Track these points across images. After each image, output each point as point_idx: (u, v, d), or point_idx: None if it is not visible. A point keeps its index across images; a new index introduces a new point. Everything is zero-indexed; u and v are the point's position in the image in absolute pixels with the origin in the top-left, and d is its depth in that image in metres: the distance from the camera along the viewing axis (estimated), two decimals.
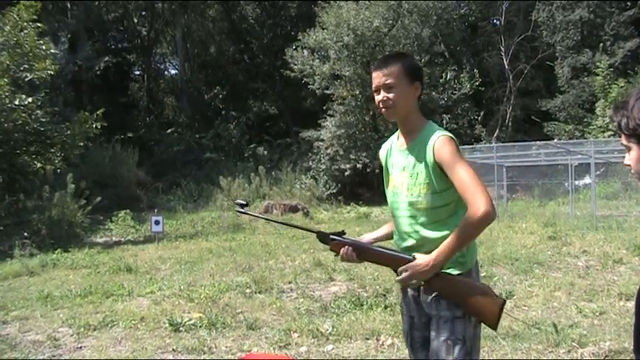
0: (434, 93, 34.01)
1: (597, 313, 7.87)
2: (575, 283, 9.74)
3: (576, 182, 24.20)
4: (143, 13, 48.13)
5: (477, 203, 2.91)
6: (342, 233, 3.47)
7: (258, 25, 46.72)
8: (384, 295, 9.20)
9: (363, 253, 3.37)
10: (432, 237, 3.14)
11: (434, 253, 3.06)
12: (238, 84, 46.03)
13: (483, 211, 2.90)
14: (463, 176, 2.99)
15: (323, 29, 32.72)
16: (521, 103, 37.36)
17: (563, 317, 7.74)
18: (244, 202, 3.69)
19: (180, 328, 7.91)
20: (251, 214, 4.17)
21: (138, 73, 49.85)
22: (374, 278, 10.61)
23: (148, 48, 47.78)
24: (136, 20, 47.83)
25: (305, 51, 34.25)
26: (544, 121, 34.47)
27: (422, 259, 3.09)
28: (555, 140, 28.49)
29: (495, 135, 35.20)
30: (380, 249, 3.36)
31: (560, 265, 11.51)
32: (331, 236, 3.43)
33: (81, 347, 7.52)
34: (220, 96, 45.28)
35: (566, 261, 11.93)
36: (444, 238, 3.05)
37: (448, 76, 35.46)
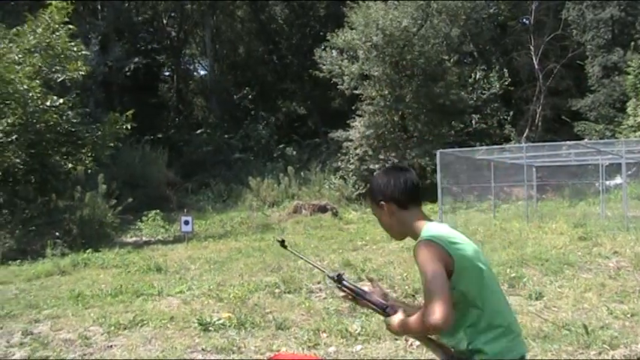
0: (463, 93, 33.82)
1: (629, 315, 7.78)
2: (606, 284, 9.64)
3: (607, 182, 23.96)
4: (172, 14, 48.39)
5: (430, 311, 2.79)
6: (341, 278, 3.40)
7: (287, 26, 46.80)
8: (413, 296, 9.18)
9: (356, 299, 3.35)
10: (448, 344, 3.07)
11: (402, 321, 3.02)
12: (267, 84, 46.11)
13: (433, 321, 2.75)
14: (426, 282, 2.86)
15: (352, 29, 32.66)
16: (551, 102, 37.02)
17: (594, 319, 7.67)
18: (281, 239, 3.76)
19: (210, 328, 7.95)
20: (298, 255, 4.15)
21: (167, 73, 50.08)
22: (403, 279, 10.58)
23: (177, 49, 48.01)
24: (165, 21, 48.08)
25: (334, 51, 34.24)
26: (574, 121, 34.15)
27: (392, 320, 3.07)
28: (586, 140, 28.23)
29: (525, 135, 34.91)
30: (368, 300, 3.30)
31: (591, 266, 11.39)
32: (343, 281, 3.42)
33: (111, 346, 7.59)
34: (249, 96, 45.37)
35: (597, 262, 11.81)
36: (459, 340, 3.01)
37: (477, 76, 35.23)
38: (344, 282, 3.34)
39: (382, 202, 3.18)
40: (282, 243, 3.70)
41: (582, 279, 10.11)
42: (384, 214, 3.19)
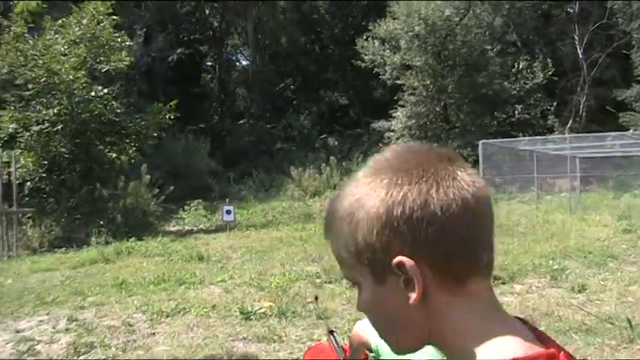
0: (506, 83, 33.52)
1: None
2: None
3: None
4: (215, 4, 48.61)
5: None
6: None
7: (329, 16, 46.72)
8: None
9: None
10: None
11: None
12: (309, 75, 46.13)
13: None
14: None
15: (394, 19, 32.57)
16: (595, 92, 36.48)
17: (638, 313, 7.56)
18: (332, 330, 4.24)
19: (251, 317, 8.00)
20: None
21: (210, 64, 50.37)
22: None
23: (219, 39, 48.24)
24: (207, 12, 48.31)
25: (376, 41, 34.17)
26: (619, 112, 33.61)
27: None
28: (631, 131, 27.76)
29: (569, 125, 34.47)
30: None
31: (636, 259, 11.23)
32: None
33: (154, 333, 7.68)
34: (291, 86, 45.46)
35: None
36: None
37: (520, 66, 34.86)
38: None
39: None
40: (331, 332, 4.11)
41: (626, 272, 9.98)
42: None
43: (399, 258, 0.98)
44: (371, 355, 3.52)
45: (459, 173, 1.02)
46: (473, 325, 1.00)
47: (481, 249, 1.03)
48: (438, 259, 0.99)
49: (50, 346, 7.41)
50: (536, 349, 0.95)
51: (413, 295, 0.99)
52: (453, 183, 1.00)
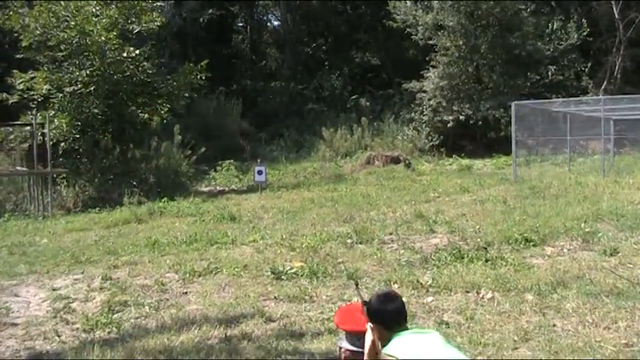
0: (539, 43, 33.01)
1: None
2: None
3: None
4: None
5: None
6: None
7: None
8: (485, 249, 9.11)
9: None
10: None
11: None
12: (341, 35, 45.79)
13: None
14: None
15: None
16: (631, 53, 35.83)
17: None
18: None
19: (282, 277, 8.07)
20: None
21: (241, 24, 50.20)
22: (475, 231, 10.51)
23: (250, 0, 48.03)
24: None
25: (408, 1, 33.80)
26: None
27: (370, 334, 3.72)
28: None
29: (603, 87, 33.96)
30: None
31: None
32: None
33: (186, 292, 7.79)
34: (323, 47, 45.19)
35: None
36: None
37: (554, 26, 34.29)
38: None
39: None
40: (357, 284, 4.74)
41: None
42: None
43: None
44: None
45: None
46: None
47: None
48: None
49: (85, 304, 7.55)
50: None
51: None
52: None
